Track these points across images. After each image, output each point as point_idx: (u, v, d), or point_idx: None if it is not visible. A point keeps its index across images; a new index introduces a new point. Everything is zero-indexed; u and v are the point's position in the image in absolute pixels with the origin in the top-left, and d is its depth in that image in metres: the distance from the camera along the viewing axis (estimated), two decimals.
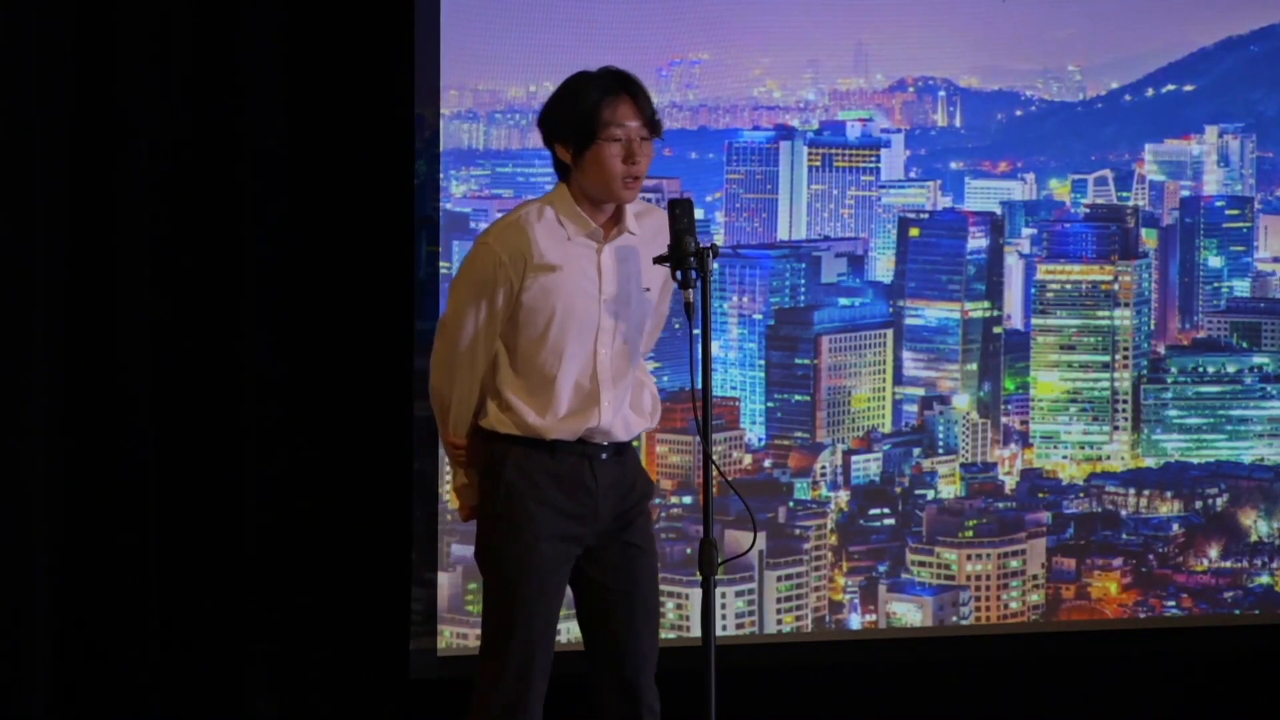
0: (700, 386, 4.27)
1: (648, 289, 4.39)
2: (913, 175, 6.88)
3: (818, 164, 6.81)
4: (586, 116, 4.29)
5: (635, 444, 4.54)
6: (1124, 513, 6.86)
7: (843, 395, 6.75)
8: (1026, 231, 6.89)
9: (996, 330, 6.84)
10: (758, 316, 6.69)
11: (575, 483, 4.38)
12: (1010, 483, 6.83)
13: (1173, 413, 6.92)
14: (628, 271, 4.36)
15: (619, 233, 4.38)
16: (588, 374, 4.36)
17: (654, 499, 4.58)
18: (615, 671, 4.42)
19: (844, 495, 6.71)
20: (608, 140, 4.30)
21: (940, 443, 6.79)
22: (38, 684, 5.75)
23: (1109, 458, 6.89)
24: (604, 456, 4.40)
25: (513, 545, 4.36)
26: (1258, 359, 6.95)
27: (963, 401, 6.81)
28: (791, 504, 6.65)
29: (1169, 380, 6.92)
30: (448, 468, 6.30)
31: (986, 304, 6.83)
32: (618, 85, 4.33)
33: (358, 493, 6.08)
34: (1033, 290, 6.87)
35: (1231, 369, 6.93)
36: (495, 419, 4.38)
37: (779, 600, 6.60)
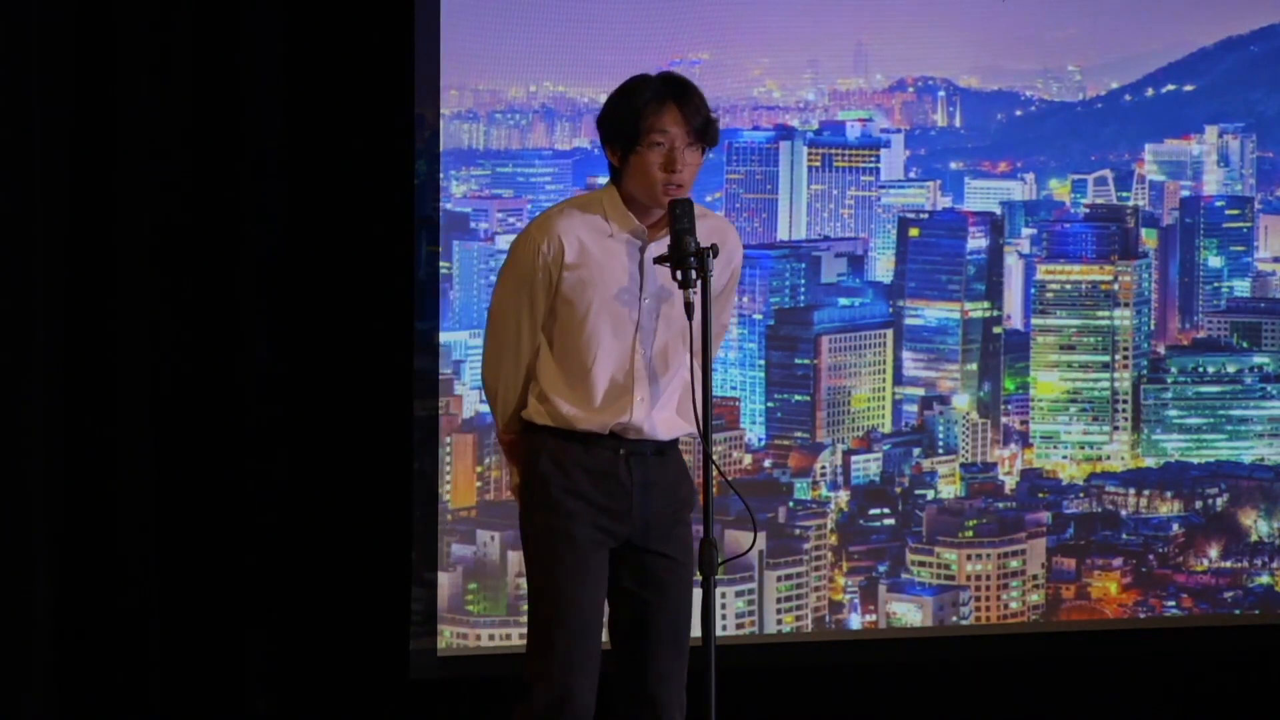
0: (700, 386, 4.26)
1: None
2: (912, 175, 6.88)
3: (818, 164, 6.81)
4: (631, 121, 4.28)
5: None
6: (1124, 513, 6.86)
7: (843, 395, 6.74)
8: (1026, 231, 6.89)
9: (996, 330, 6.84)
10: (758, 316, 6.69)
11: (609, 477, 4.37)
12: (1010, 483, 6.83)
13: (1173, 413, 6.92)
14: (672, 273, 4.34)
15: (666, 234, 4.36)
16: (624, 370, 4.36)
17: (693, 507, 4.52)
18: (637, 683, 4.41)
19: (844, 495, 6.70)
20: (649, 147, 4.28)
21: (940, 443, 6.79)
22: (38, 684, 5.75)
23: (1109, 458, 6.89)
24: (649, 454, 4.39)
25: (547, 534, 4.36)
26: (1258, 359, 6.95)
27: (963, 401, 6.81)
28: (791, 504, 6.65)
29: (1169, 380, 6.92)
30: (448, 467, 6.31)
31: (986, 304, 6.83)
32: (667, 91, 4.30)
33: (358, 493, 6.08)
34: (1033, 290, 6.87)
35: (1231, 369, 6.93)
36: (533, 409, 4.40)
37: (779, 600, 6.60)
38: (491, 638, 6.35)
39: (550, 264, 4.32)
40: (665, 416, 4.41)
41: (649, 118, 4.27)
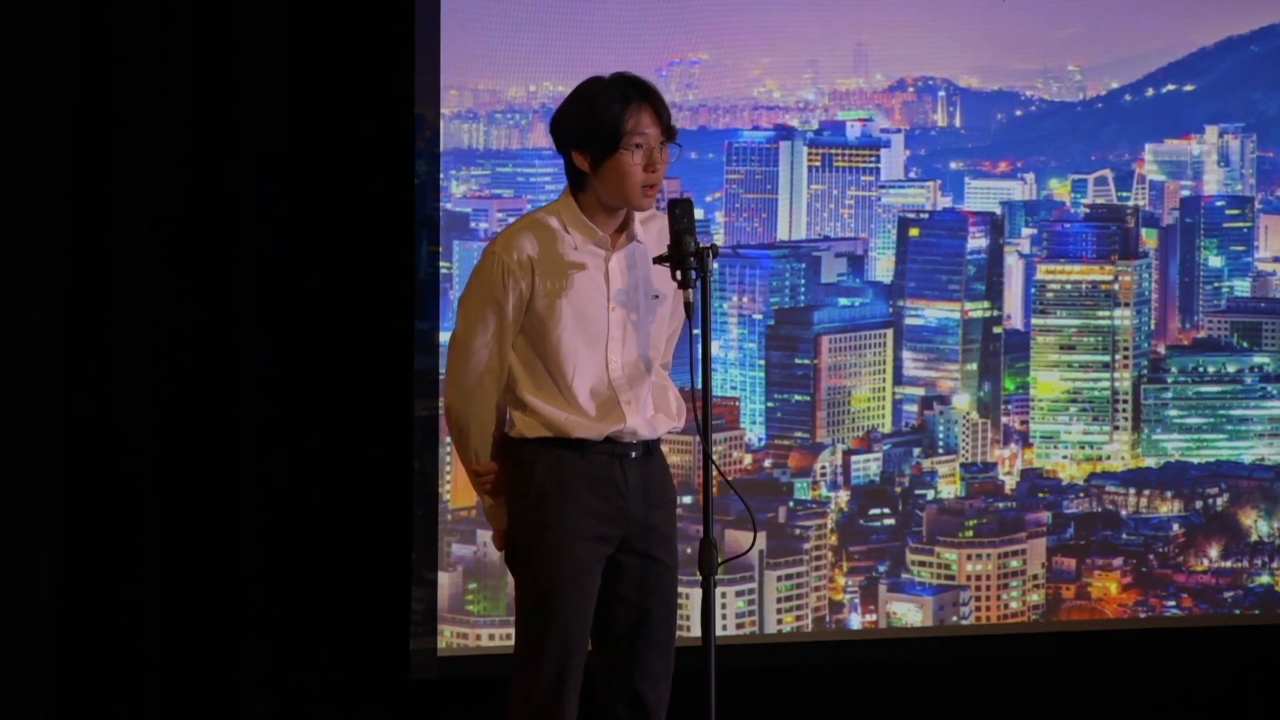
0: (700, 386, 4.26)
1: (656, 295, 4.37)
2: (913, 175, 6.88)
3: (818, 164, 6.81)
4: (610, 125, 4.25)
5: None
6: (1124, 513, 6.86)
7: (843, 395, 6.75)
8: (1026, 231, 6.89)
9: (996, 330, 6.84)
10: (758, 316, 6.69)
11: (606, 482, 4.36)
12: (1010, 483, 6.83)
13: (1173, 412, 6.92)
14: (636, 279, 4.34)
15: (627, 240, 4.36)
16: (604, 382, 4.35)
17: (678, 505, 4.53)
18: (626, 682, 4.40)
19: (844, 495, 6.71)
20: (629, 149, 4.27)
21: (940, 443, 6.79)
22: (38, 684, 5.75)
23: (1109, 458, 6.89)
24: (634, 455, 4.38)
25: (545, 548, 4.33)
26: (1258, 359, 6.95)
27: (963, 401, 6.81)
28: (791, 504, 6.65)
29: (1169, 380, 6.92)
30: (448, 467, 6.31)
31: (986, 304, 6.83)
32: (636, 93, 4.29)
33: (358, 493, 6.08)
34: (1033, 290, 6.87)
35: (1231, 369, 6.93)
36: (523, 425, 4.36)
37: (779, 600, 6.60)
38: (492, 637, 6.35)
39: (521, 281, 4.30)
40: (651, 415, 4.41)
41: (629, 119, 4.26)
